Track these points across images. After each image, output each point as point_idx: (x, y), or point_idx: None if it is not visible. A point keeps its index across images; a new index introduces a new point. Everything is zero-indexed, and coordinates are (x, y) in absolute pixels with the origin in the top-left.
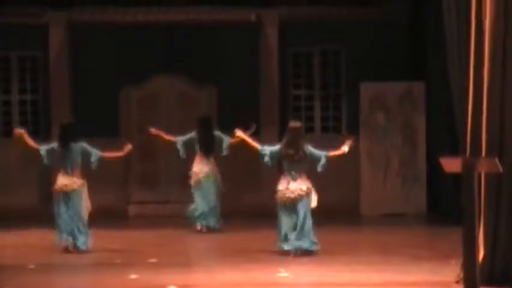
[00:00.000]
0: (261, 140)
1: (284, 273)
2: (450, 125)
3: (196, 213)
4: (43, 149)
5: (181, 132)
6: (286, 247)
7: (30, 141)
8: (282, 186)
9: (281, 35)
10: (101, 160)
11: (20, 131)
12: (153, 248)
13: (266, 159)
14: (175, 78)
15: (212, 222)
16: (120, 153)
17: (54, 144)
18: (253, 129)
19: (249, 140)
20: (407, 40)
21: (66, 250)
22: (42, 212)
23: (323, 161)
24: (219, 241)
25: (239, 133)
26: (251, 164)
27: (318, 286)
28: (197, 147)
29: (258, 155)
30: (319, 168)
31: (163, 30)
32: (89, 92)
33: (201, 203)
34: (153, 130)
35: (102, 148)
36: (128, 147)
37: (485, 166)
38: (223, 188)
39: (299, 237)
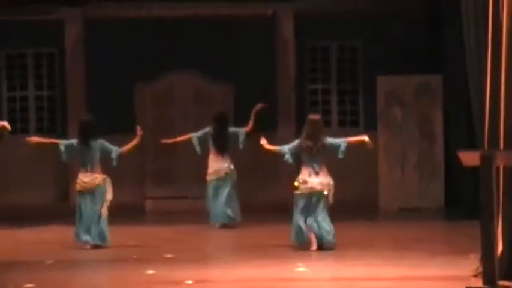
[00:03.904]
0: (278, 133)
1: (302, 268)
2: (468, 118)
3: (212, 210)
4: (62, 143)
5: (197, 128)
6: (302, 239)
7: (47, 140)
8: (302, 177)
9: (297, 29)
10: (121, 156)
11: (32, 139)
12: (170, 243)
13: (286, 157)
14: (191, 74)
15: (229, 218)
16: (135, 141)
17: (74, 141)
18: (259, 107)
19: (270, 147)
20: (424, 33)
21: (84, 247)
22: (58, 209)
23: (343, 146)
24: (236, 236)
25: (263, 141)
26: (268, 159)
27: (336, 281)
28: (211, 143)
29: (279, 155)
30: (339, 155)
31: (178, 25)
32: (104, 88)
33: (216, 200)
34: (167, 141)
35: (118, 145)
36: (140, 131)
37: (504, 159)
38: (236, 177)
39: (320, 233)
